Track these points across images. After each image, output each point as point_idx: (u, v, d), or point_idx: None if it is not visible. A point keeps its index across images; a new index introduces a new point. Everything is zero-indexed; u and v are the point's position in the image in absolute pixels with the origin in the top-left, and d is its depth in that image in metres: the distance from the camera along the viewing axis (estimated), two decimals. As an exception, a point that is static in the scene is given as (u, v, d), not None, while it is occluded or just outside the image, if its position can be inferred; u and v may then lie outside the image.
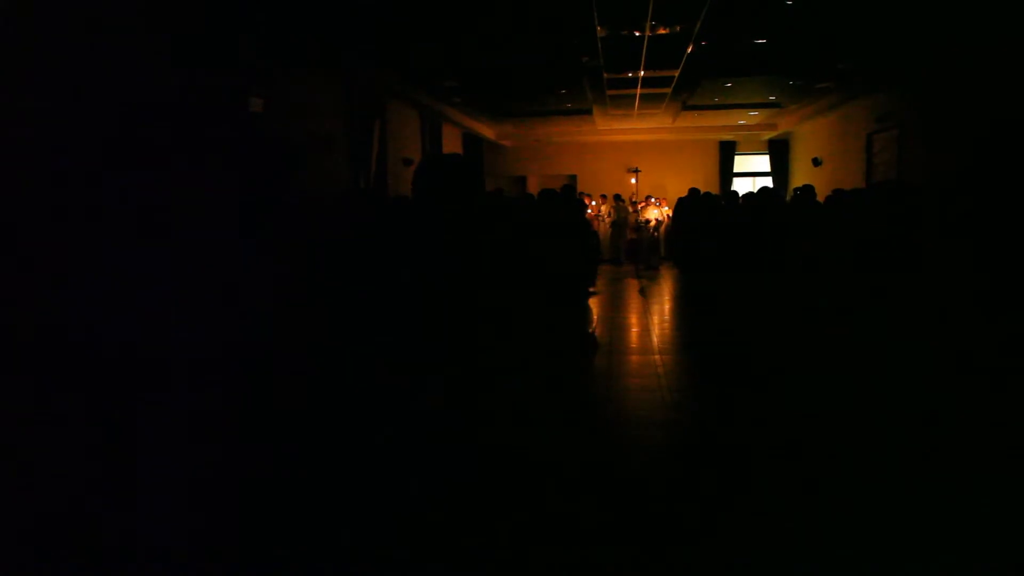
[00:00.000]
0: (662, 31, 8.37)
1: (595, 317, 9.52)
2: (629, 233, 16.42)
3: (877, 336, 3.85)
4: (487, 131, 17.08)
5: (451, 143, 14.98)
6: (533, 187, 18.14)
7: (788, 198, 11.75)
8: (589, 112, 14.85)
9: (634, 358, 7.09)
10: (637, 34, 8.49)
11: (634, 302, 11.14)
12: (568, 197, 7.34)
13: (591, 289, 10.28)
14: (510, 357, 2.08)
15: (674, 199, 13.98)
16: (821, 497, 3.50)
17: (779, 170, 17.99)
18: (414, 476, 1.95)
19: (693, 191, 12.62)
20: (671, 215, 13.92)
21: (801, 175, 15.76)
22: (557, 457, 4.08)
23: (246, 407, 2.07)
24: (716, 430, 4.73)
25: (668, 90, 12.25)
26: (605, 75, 10.84)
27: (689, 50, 9.11)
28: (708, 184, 16.70)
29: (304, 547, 1.96)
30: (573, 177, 18.83)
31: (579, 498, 3.59)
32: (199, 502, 2.05)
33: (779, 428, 4.57)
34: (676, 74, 10.77)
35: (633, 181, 18.50)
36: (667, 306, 11.04)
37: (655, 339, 8.09)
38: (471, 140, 16.70)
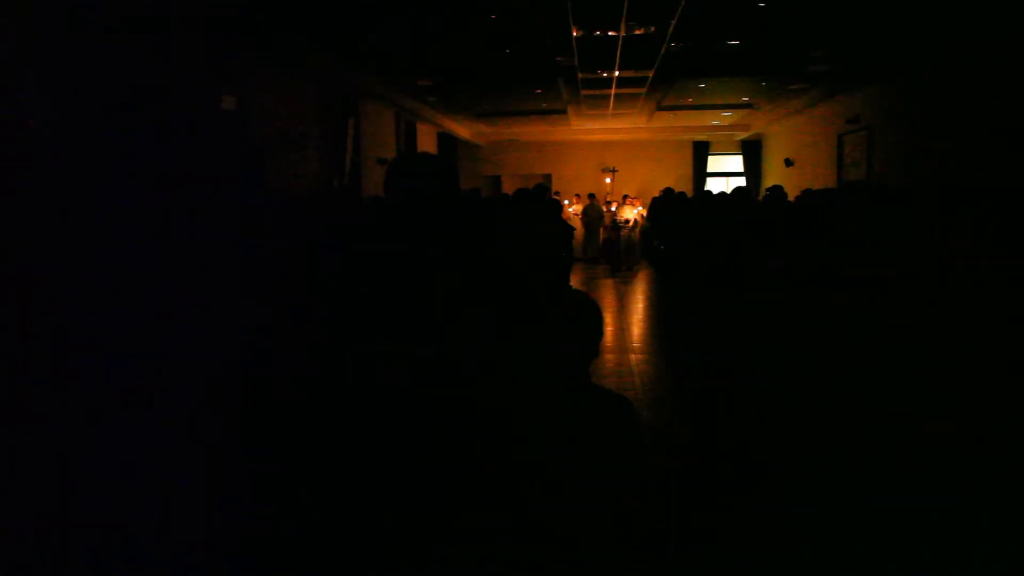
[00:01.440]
0: (637, 31, 8.41)
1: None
2: (602, 233, 16.48)
3: (855, 337, 3.87)
4: (462, 130, 17.04)
5: (426, 142, 14.91)
6: (508, 187, 18.13)
7: (760, 198, 11.86)
8: (564, 112, 14.87)
9: (609, 356, 7.12)
10: (612, 34, 8.52)
11: (609, 302, 11.17)
12: (540, 196, 7.34)
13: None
14: (498, 359, 2.06)
15: (648, 198, 14.07)
16: (820, 499, 3.50)
17: (752, 170, 18.17)
18: (409, 477, 1.93)
19: (667, 191, 12.73)
20: (645, 215, 14.00)
21: (773, 175, 15.94)
22: (552, 456, 4.06)
23: (237, 407, 2.05)
24: (697, 430, 4.76)
25: (643, 90, 12.31)
26: (580, 75, 10.86)
27: (663, 51, 9.17)
28: (682, 184, 16.82)
29: (303, 548, 1.93)
30: (548, 176, 18.88)
31: (577, 498, 3.57)
32: (197, 502, 2.03)
33: (762, 429, 4.60)
34: (651, 74, 10.83)
35: (608, 180, 18.58)
36: (641, 305, 11.09)
37: (631, 339, 8.13)
38: (446, 139, 16.65)
